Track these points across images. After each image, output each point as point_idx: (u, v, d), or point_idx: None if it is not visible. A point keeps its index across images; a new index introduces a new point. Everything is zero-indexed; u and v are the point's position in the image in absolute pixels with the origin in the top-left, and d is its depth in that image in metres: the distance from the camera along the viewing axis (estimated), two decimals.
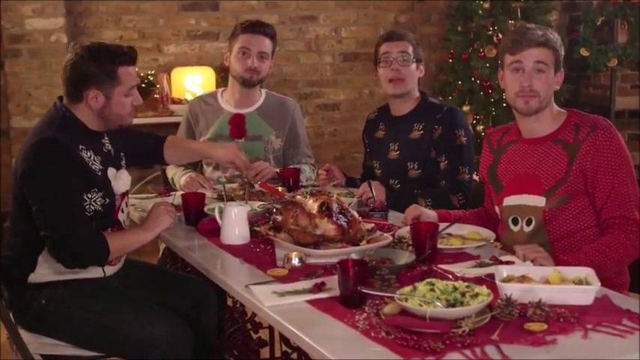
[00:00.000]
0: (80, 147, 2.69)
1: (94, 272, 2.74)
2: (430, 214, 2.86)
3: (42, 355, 2.72)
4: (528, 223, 2.68)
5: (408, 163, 3.43)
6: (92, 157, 2.72)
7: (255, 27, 3.70)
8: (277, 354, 3.43)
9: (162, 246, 3.60)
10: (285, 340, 3.20)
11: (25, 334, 2.71)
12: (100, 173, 2.73)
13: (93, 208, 2.69)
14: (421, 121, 3.44)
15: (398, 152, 3.48)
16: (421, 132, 3.42)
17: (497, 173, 2.82)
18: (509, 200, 2.74)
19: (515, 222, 2.72)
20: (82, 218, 2.65)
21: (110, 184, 2.76)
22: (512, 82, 2.66)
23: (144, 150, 3.13)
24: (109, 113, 2.73)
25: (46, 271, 2.69)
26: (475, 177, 5.31)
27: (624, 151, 2.60)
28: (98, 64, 2.68)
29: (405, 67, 3.42)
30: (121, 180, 2.81)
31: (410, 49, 3.44)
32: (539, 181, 2.65)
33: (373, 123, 3.67)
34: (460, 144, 3.37)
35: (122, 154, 2.92)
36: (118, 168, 2.84)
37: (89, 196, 2.68)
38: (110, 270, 2.79)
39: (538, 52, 2.61)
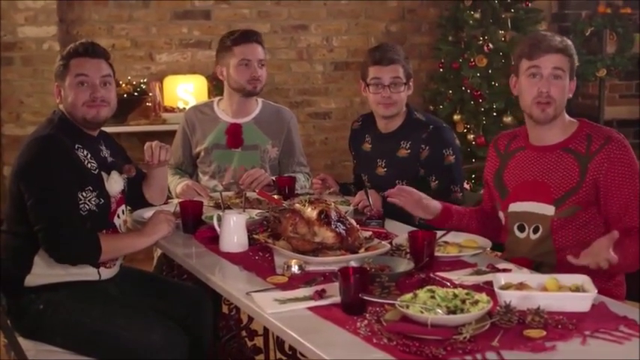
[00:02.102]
0: (77, 146, 2.78)
1: (90, 275, 2.76)
2: (433, 204, 2.87)
3: None
4: (535, 230, 2.67)
5: (397, 181, 3.39)
6: (88, 157, 2.79)
7: (250, 36, 3.71)
8: None
9: (156, 253, 3.61)
10: (279, 347, 3.22)
11: (22, 341, 2.71)
12: (95, 172, 2.79)
13: (87, 207, 2.73)
14: (407, 140, 3.40)
15: (385, 169, 3.46)
16: (408, 151, 3.39)
17: (503, 179, 2.81)
18: (516, 206, 2.74)
19: (521, 229, 2.72)
20: (76, 213, 2.70)
21: (104, 184, 2.80)
22: (528, 88, 2.64)
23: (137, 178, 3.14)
24: (67, 106, 2.82)
25: (42, 271, 2.71)
26: (465, 185, 5.35)
27: (637, 165, 2.59)
28: (60, 60, 2.85)
29: (396, 93, 3.37)
30: (112, 180, 2.85)
31: (401, 72, 3.37)
32: (548, 189, 2.65)
33: (359, 133, 3.64)
34: (449, 164, 3.35)
35: (119, 162, 2.95)
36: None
37: (84, 194, 2.73)
38: (105, 273, 2.80)
39: (556, 58, 2.60)
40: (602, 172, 2.57)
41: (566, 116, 2.70)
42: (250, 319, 3.23)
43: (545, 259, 2.62)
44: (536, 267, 2.58)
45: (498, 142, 2.91)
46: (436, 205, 2.89)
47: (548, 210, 2.64)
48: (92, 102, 2.79)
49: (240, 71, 3.68)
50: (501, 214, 2.82)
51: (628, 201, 2.56)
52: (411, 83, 3.43)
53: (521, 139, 2.80)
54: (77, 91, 2.79)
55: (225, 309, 3.35)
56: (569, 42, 2.66)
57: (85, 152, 2.79)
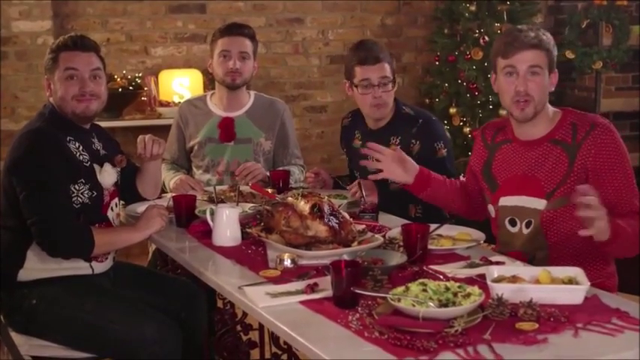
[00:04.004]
0: (68, 138, 2.77)
1: (82, 269, 2.76)
2: (411, 161, 2.87)
3: (32, 357, 2.72)
4: (528, 225, 2.65)
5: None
6: (80, 149, 2.78)
7: (233, 29, 3.70)
8: (267, 355, 3.45)
9: (151, 248, 3.60)
10: (275, 341, 3.21)
11: (15, 336, 2.72)
12: (87, 164, 2.78)
13: (80, 200, 2.73)
14: (397, 135, 3.38)
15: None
16: (398, 146, 3.32)
17: (492, 171, 2.78)
18: (507, 201, 2.71)
19: (512, 223, 2.70)
20: (68, 206, 2.69)
21: (97, 177, 2.79)
22: (506, 87, 2.62)
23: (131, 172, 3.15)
24: (57, 99, 2.80)
25: (35, 265, 2.70)
26: (462, 178, 5.34)
27: (624, 148, 2.57)
28: (49, 54, 2.83)
29: (386, 93, 3.33)
30: (105, 172, 2.84)
31: (388, 71, 3.33)
32: (539, 183, 2.62)
33: (349, 130, 3.62)
34: (441, 157, 3.33)
35: (112, 154, 2.94)
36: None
37: (76, 187, 2.72)
38: (99, 268, 2.80)
39: (531, 55, 2.57)
40: (590, 159, 2.54)
41: (550, 108, 2.67)
42: (245, 313, 3.22)
43: (538, 254, 2.61)
44: (530, 260, 2.56)
45: (485, 132, 2.89)
46: (414, 165, 2.86)
47: (540, 204, 2.61)
48: (81, 96, 2.77)
49: (220, 63, 3.68)
50: (491, 208, 2.79)
51: (620, 186, 2.53)
52: (396, 79, 3.39)
53: (508, 132, 2.77)
54: (66, 84, 2.77)
55: (220, 303, 3.34)
56: (546, 35, 2.62)
57: (77, 144, 2.78)
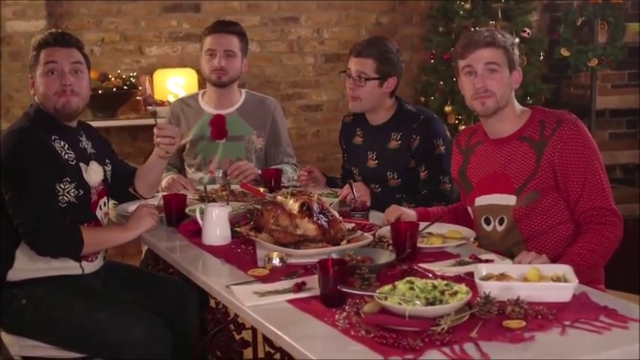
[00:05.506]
0: (53, 137, 2.75)
1: (72, 269, 2.75)
2: (410, 214, 2.87)
3: (23, 357, 2.72)
4: (501, 222, 2.70)
5: (388, 173, 3.41)
6: (65, 147, 2.77)
7: (218, 27, 3.71)
8: (260, 355, 3.44)
9: (144, 248, 3.59)
10: (268, 340, 3.20)
11: (5, 336, 2.71)
12: (72, 163, 2.76)
13: (67, 199, 2.71)
14: (398, 131, 3.39)
15: (376, 162, 3.46)
16: (399, 142, 3.38)
17: (467, 174, 2.84)
18: (480, 200, 2.76)
19: (487, 222, 2.74)
20: (54, 205, 2.68)
21: (83, 175, 2.78)
22: (466, 86, 2.69)
23: (123, 172, 3.14)
24: (40, 97, 2.78)
25: (24, 265, 2.69)
26: None
27: (592, 143, 2.61)
28: (32, 51, 2.83)
29: (359, 88, 3.35)
30: (92, 171, 2.82)
31: (368, 67, 3.33)
32: (508, 180, 2.66)
33: (350, 127, 3.62)
34: (439, 153, 3.34)
35: (101, 153, 2.93)
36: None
37: (62, 186, 2.71)
38: (89, 267, 2.79)
39: (487, 52, 2.63)
40: (557, 154, 2.58)
41: (518, 106, 2.73)
42: None
43: (516, 250, 2.61)
44: (510, 257, 2.56)
45: (459, 138, 2.95)
46: (411, 214, 2.88)
47: (511, 200, 2.66)
48: (62, 92, 2.75)
49: (205, 61, 3.69)
50: (470, 209, 2.84)
51: (586, 181, 2.57)
52: (391, 80, 3.37)
53: (480, 134, 2.83)
54: (47, 80, 2.75)
55: (212, 302, 3.34)
56: (502, 35, 2.68)
57: (62, 143, 2.76)
